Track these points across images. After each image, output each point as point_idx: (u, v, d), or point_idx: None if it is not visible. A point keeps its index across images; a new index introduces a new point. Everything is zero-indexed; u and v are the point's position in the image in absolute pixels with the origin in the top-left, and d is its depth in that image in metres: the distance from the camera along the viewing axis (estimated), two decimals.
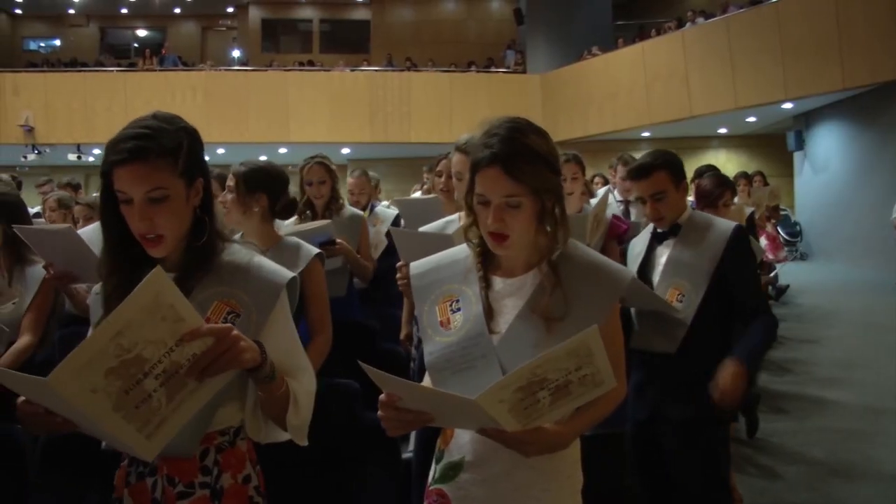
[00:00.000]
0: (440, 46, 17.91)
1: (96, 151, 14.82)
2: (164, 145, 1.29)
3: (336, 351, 2.42)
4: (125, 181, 1.28)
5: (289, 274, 1.42)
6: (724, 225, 2.33)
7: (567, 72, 14.07)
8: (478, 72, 15.87)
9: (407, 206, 3.80)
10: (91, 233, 2.78)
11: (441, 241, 1.99)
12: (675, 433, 2.23)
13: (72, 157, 14.47)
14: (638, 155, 2.91)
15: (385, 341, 3.26)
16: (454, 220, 2.57)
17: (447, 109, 13.98)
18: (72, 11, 18.01)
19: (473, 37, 18.61)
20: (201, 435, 1.33)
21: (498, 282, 1.46)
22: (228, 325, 1.20)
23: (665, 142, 13.27)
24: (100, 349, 1.03)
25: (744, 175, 6.78)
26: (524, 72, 15.35)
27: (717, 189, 3.31)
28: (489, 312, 1.42)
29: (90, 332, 1.98)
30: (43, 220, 4.15)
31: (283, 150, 14.58)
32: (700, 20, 12.73)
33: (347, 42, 18.82)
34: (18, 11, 18.50)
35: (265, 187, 2.42)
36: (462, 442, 1.45)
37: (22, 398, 1.15)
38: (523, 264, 1.45)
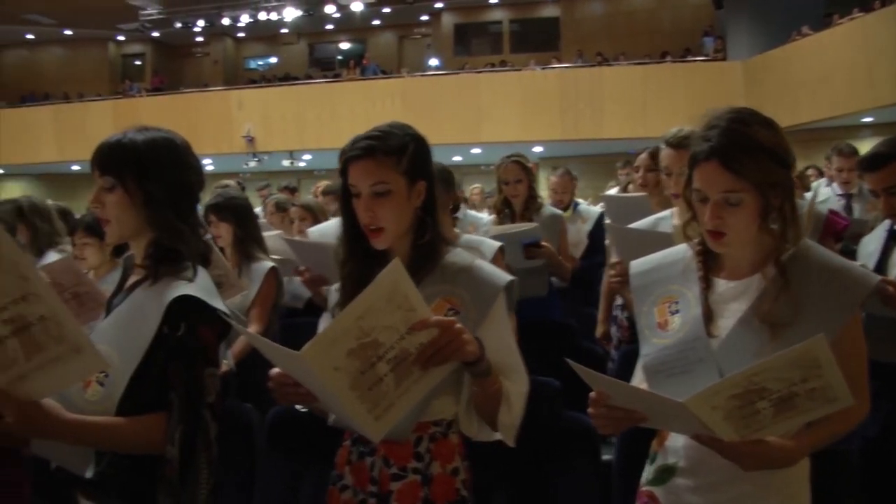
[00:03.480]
0: (632, 39, 17.36)
1: (307, 157, 16.08)
2: (390, 145, 1.43)
3: (536, 349, 2.44)
4: (355, 175, 1.44)
5: (507, 277, 1.47)
6: None
7: (773, 56, 13.05)
8: (673, 62, 15.20)
9: (614, 203, 3.72)
10: (325, 229, 3.01)
11: (660, 240, 1.93)
12: None
13: (286, 163, 15.85)
14: (858, 143, 2.65)
15: (584, 340, 3.24)
16: (665, 217, 2.50)
17: (640, 103, 13.53)
18: (285, 31, 19.63)
19: (668, 26, 17.82)
20: (415, 422, 1.41)
21: (721, 283, 1.39)
22: (453, 318, 1.27)
23: (892, 127, 11.91)
24: (345, 329, 1.12)
25: None
26: (724, 59, 14.46)
27: None
28: (709, 315, 1.36)
29: (322, 319, 2.15)
30: (264, 221, 4.56)
31: (475, 151, 14.91)
32: None
33: (537, 40, 18.82)
34: (241, 35, 20.50)
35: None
36: (677, 446, 1.41)
37: (276, 369, 1.30)
38: (749, 265, 1.37)
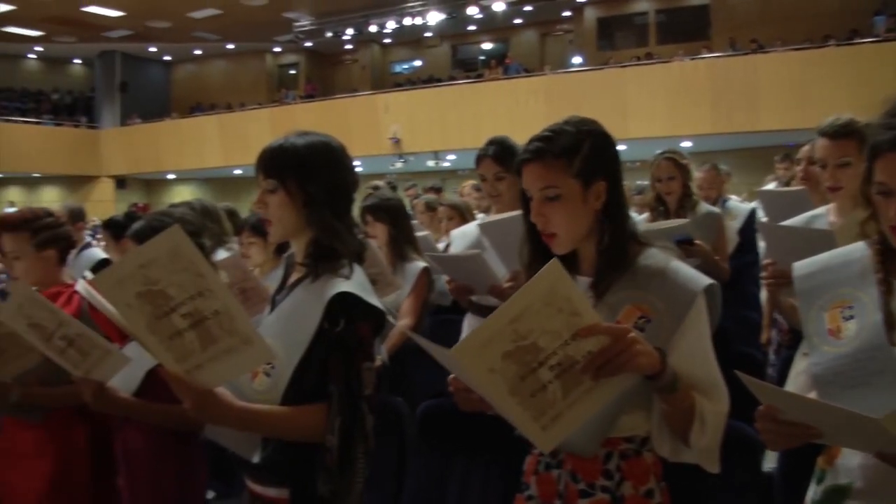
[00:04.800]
0: (790, 23, 16.20)
1: (451, 157, 16.35)
2: (559, 147, 1.36)
3: None
4: (526, 179, 1.40)
5: (705, 280, 1.35)
6: None
7: None
8: (837, 45, 14.07)
9: (770, 198, 3.50)
10: (466, 230, 3.02)
11: (820, 238, 1.79)
12: None
13: (430, 163, 16.20)
14: None
15: (740, 344, 3.07)
16: (820, 215, 2.31)
17: (799, 92, 12.61)
18: (428, 34, 20.06)
19: (831, 6, 16.47)
20: (603, 436, 1.33)
21: None
22: (626, 326, 1.19)
23: None
24: (497, 330, 1.08)
25: None
26: None
27: None
28: (891, 322, 1.22)
29: (466, 318, 2.15)
30: (415, 221, 4.68)
31: (621, 147, 14.33)
32: None
33: (685, 30, 18.03)
34: (387, 41, 21.17)
35: None
36: (851, 465, 1.27)
37: (453, 375, 1.28)
38: None
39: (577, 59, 18.14)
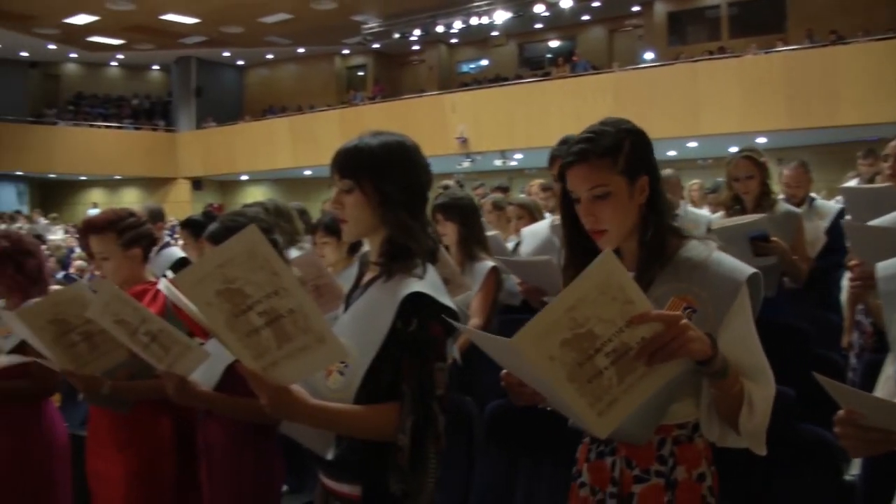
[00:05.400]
0: (873, 11, 15.47)
1: (518, 156, 16.29)
2: (603, 146, 1.40)
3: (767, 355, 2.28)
4: (572, 181, 1.43)
5: (749, 270, 1.38)
6: None
7: None
8: None
9: (853, 196, 3.37)
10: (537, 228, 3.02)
11: None
12: None
13: (497, 162, 16.17)
14: None
15: (819, 347, 2.96)
16: None
17: (885, 84, 12.06)
18: (495, 34, 20.01)
19: None
20: (655, 424, 1.38)
21: None
22: (678, 313, 1.22)
23: None
24: (555, 319, 1.12)
25: None
26: None
27: None
28: None
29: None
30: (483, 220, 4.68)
31: (691, 144, 14.21)
32: None
33: (759, 23, 17.44)
34: (454, 41, 21.23)
35: None
36: None
37: (505, 370, 1.33)
38: None
39: (648, 55, 17.76)
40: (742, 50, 15.46)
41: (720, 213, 3.05)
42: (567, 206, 1.48)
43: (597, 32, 20.08)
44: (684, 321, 1.18)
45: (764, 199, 3.13)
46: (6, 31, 18.42)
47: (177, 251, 4.62)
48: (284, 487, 2.38)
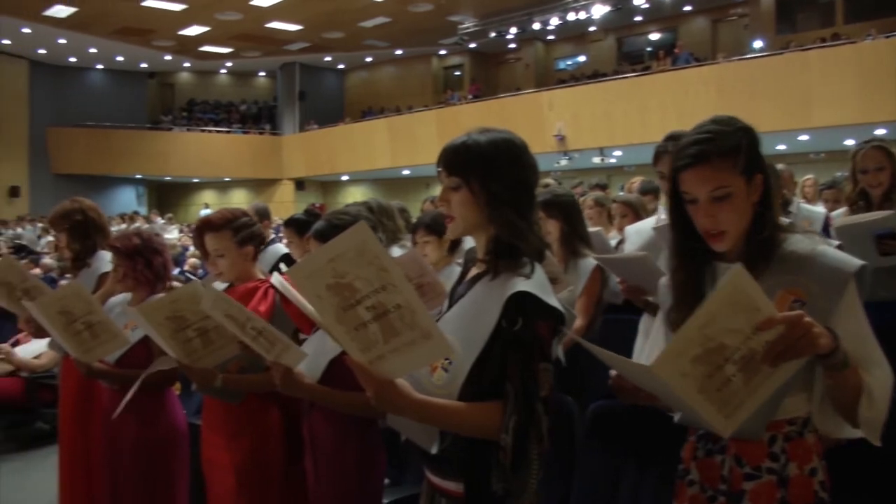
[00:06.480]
0: None
1: (617, 153, 15.98)
2: (723, 147, 1.39)
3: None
4: (690, 183, 1.41)
5: (857, 262, 1.37)
6: None
7: None
8: None
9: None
10: (642, 227, 2.94)
11: None
12: None
13: (595, 160, 15.92)
14: None
15: None
16: None
17: None
18: (593, 29, 19.70)
19: None
20: (767, 420, 1.37)
21: None
22: (800, 311, 1.20)
23: None
24: (688, 339, 1.15)
25: None
26: None
27: None
28: None
29: (643, 319, 2.09)
30: None
31: (803, 138, 13.50)
32: None
33: (878, 5, 16.33)
34: (551, 38, 21.04)
35: None
36: None
37: (614, 372, 1.37)
38: None
39: (758, 44, 16.98)
40: (858, 35, 14.55)
41: (842, 210, 2.88)
42: (677, 206, 1.46)
43: (699, 23, 19.38)
44: (808, 319, 1.17)
45: (894, 193, 2.95)
46: (128, 45, 19.71)
47: (281, 247, 4.78)
48: (385, 480, 2.42)
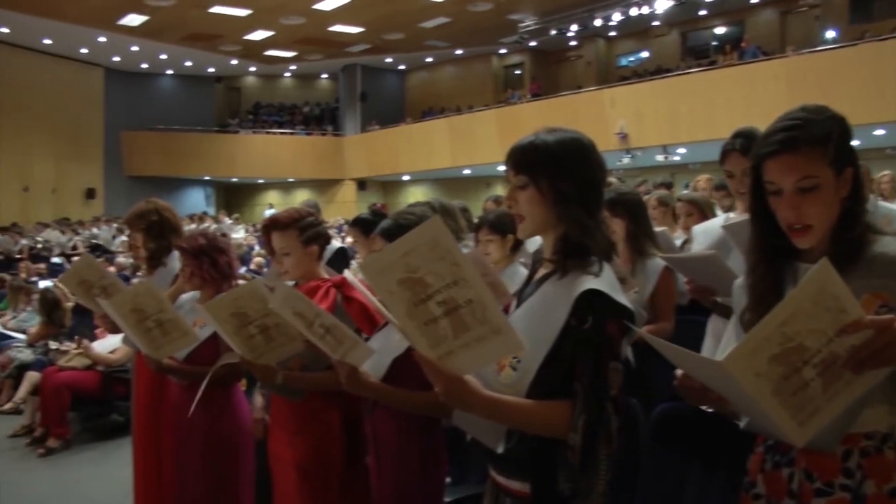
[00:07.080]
0: None
1: (681, 151, 15.64)
2: (813, 135, 1.31)
3: None
4: (775, 172, 1.33)
5: None
6: None
7: None
8: None
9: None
10: (709, 227, 2.88)
11: None
12: None
13: (659, 157, 15.63)
14: None
15: None
16: None
17: None
18: (656, 23, 19.33)
19: None
20: (843, 432, 1.28)
21: None
22: (891, 317, 1.12)
23: None
24: (766, 336, 1.09)
25: None
26: None
27: None
28: None
29: (711, 320, 2.02)
30: None
31: (879, 132, 12.96)
32: None
33: None
34: (613, 34, 20.74)
35: None
36: None
37: (681, 371, 1.30)
38: None
39: (830, 35, 16.35)
40: None
41: None
42: (759, 199, 1.38)
43: (767, 15, 18.79)
44: None
45: None
46: (196, 50, 20.32)
47: (335, 243, 4.84)
48: (447, 479, 2.42)
